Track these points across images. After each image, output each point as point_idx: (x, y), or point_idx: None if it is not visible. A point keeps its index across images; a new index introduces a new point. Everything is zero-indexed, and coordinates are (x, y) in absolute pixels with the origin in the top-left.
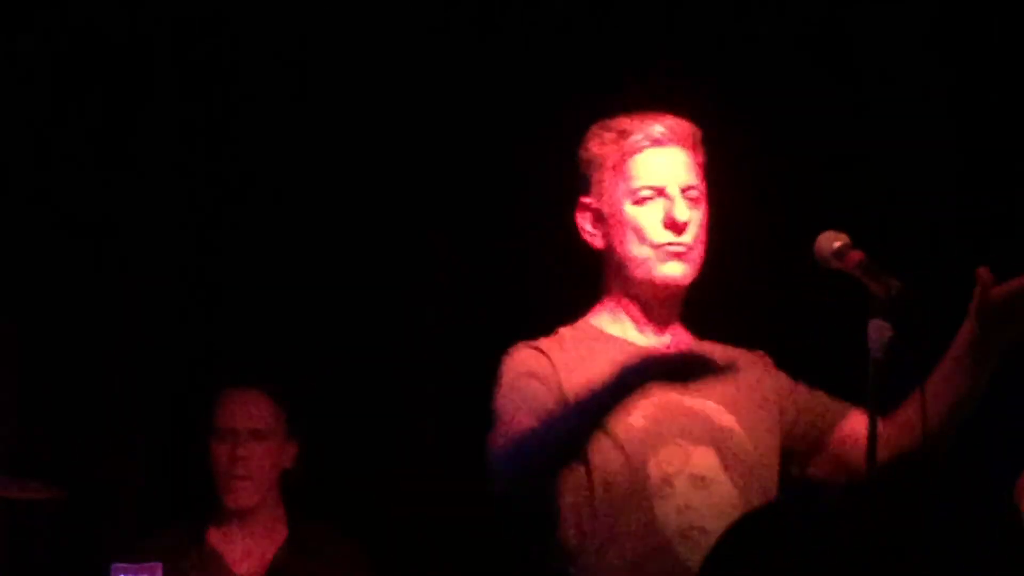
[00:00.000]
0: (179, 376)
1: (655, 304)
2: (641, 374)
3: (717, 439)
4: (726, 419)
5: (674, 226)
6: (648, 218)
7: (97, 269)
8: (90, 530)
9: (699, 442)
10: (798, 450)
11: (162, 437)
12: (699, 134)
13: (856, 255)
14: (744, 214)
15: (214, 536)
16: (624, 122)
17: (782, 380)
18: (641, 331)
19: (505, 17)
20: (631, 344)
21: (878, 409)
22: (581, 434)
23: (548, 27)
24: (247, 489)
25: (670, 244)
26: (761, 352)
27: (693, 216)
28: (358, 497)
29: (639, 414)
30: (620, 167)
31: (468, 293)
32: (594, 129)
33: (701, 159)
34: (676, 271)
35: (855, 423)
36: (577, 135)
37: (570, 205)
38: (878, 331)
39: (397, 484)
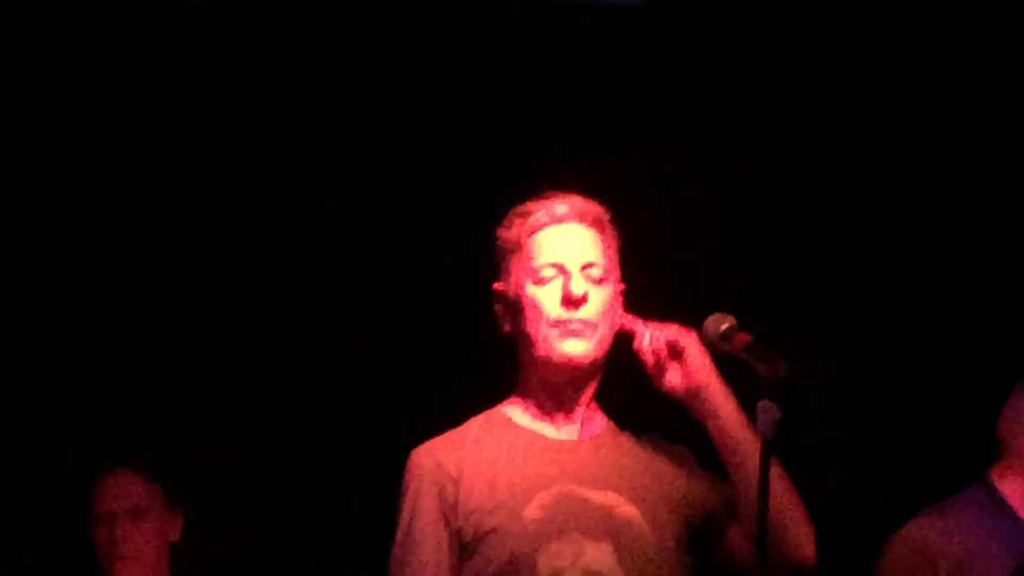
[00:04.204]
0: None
1: (562, 385)
2: None
3: (615, 532)
4: (627, 510)
5: (569, 302)
6: (547, 296)
7: None
8: None
9: (595, 536)
10: (702, 537)
11: (50, 526)
12: (607, 214)
13: (743, 337)
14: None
15: None
16: (528, 204)
17: (702, 480)
18: (550, 420)
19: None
20: (539, 436)
21: (768, 488)
22: None
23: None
24: (132, 569)
25: (567, 321)
26: (684, 448)
27: (594, 293)
28: (246, 565)
29: (536, 505)
30: (522, 248)
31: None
32: (507, 216)
33: (611, 240)
34: (574, 349)
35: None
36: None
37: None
38: (766, 412)
39: (286, 548)
